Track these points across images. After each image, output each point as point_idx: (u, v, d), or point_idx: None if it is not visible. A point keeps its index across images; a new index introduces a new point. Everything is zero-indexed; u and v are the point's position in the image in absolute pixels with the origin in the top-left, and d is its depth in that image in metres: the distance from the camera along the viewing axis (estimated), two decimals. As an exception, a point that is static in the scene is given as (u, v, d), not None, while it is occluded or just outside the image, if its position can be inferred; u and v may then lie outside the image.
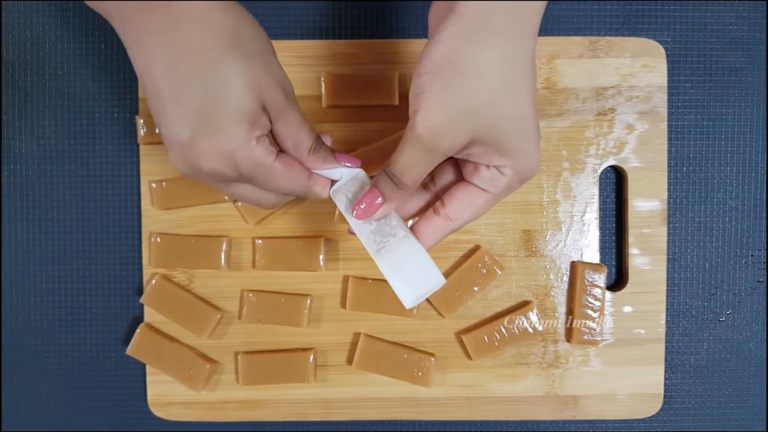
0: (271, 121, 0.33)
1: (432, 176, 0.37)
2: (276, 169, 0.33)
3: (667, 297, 0.48)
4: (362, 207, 0.35)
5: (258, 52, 0.32)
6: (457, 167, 0.36)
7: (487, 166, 0.33)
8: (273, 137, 0.34)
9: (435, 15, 0.32)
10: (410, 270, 0.35)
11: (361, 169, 0.36)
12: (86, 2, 0.33)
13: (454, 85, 0.29)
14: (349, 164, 0.36)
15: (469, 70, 0.29)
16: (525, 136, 0.32)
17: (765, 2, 0.49)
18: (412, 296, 0.35)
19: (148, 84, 0.31)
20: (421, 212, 0.37)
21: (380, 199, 0.34)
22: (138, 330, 0.48)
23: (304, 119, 0.34)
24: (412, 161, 0.32)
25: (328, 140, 0.37)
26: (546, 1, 0.31)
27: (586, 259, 0.49)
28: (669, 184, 0.49)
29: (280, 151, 0.35)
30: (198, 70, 0.30)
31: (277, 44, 0.47)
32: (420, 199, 0.37)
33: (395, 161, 0.33)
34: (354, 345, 0.48)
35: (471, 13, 0.29)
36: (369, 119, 0.48)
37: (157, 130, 0.47)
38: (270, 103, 0.32)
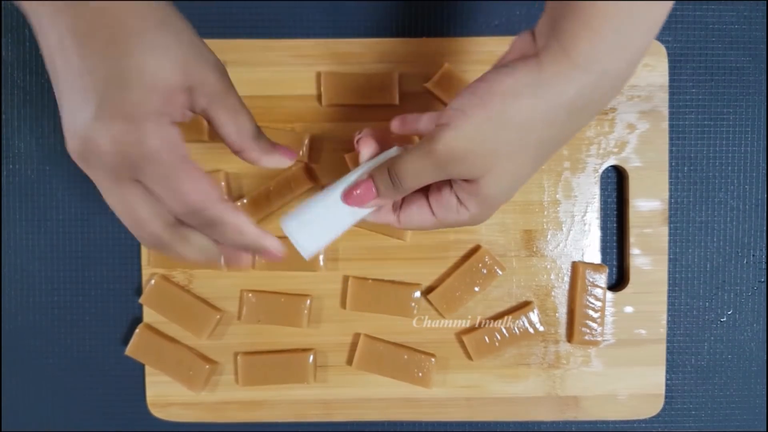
0: (204, 107, 0.31)
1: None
2: (187, 164, 0.29)
3: (669, 297, 0.48)
4: (356, 194, 0.34)
5: (187, 31, 0.29)
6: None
7: (458, 200, 0.33)
8: (210, 125, 0.32)
9: (519, 46, 0.31)
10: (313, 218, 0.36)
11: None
12: None
13: (495, 123, 0.29)
14: (287, 157, 0.35)
15: (517, 119, 0.29)
16: (507, 195, 0.32)
17: (765, 2, 0.49)
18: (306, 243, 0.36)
19: (57, 59, 0.28)
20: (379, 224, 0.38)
21: (374, 191, 0.34)
22: (137, 330, 0.48)
23: (245, 106, 0.33)
24: (417, 170, 0.32)
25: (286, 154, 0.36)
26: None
27: (587, 259, 0.48)
28: (670, 183, 0.49)
29: None
30: (118, 38, 0.27)
31: (277, 43, 0.47)
32: (387, 217, 0.37)
33: (401, 164, 0.32)
34: (354, 345, 0.48)
35: (551, 71, 0.28)
36: (369, 119, 0.48)
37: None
38: (202, 84, 0.30)
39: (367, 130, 0.37)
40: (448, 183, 0.33)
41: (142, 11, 0.28)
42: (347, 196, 0.34)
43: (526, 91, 0.28)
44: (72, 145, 0.28)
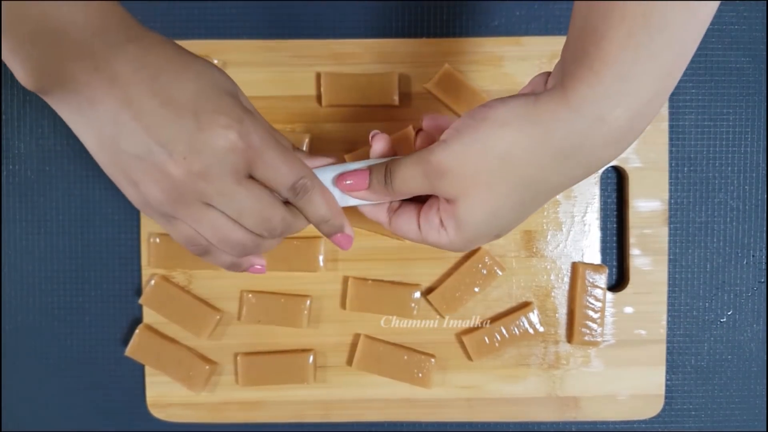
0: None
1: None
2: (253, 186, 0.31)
3: (668, 298, 0.48)
4: (349, 182, 0.34)
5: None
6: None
7: (440, 220, 0.33)
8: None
9: (537, 80, 0.31)
10: None
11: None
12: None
13: (477, 150, 0.29)
14: (350, 183, 0.35)
15: (500, 148, 0.29)
16: (486, 231, 0.32)
17: (765, 2, 0.49)
18: None
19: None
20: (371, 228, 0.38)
21: (365, 183, 0.34)
22: (137, 331, 0.48)
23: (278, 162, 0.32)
24: (407, 176, 0.32)
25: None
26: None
27: (587, 260, 0.48)
28: (670, 184, 0.49)
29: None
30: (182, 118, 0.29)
31: (277, 43, 0.47)
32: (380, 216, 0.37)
33: (397, 165, 0.33)
34: (354, 346, 0.48)
35: (547, 111, 0.28)
36: (369, 119, 0.48)
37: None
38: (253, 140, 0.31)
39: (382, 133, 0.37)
40: (437, 202, 0.34)
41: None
42: (340, 180, 0.35)
43: (514, 123, 0.28)
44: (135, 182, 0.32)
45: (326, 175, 0.35)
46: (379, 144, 0.36)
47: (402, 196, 0.34)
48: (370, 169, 0.34)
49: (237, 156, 0.30)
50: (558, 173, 0.29)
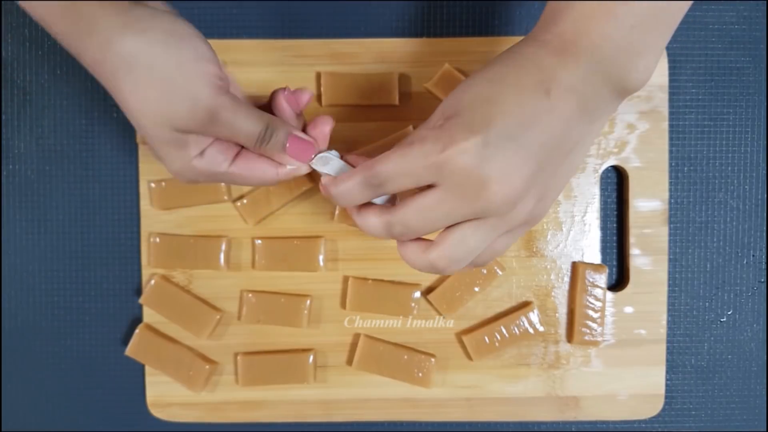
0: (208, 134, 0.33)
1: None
2: (234, 173, 0.35)
3: (669, 297, 0.48)
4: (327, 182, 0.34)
5: (151, 76, 0.30)
6: None
7: None
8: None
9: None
10: None
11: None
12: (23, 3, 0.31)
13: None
14: (300, 149, 0.35)
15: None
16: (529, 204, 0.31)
17: (765, 2, 0.49)
18: None
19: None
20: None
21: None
22: (137, 330, 0.48)
23: (240, 118, 0.32)
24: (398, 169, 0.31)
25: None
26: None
27: (587, 260, 0.48)
28: (670, 184, 0.49)
29: (243, 150, 0.35)
30: (123, 102, 0.31)
31: (277, 43, 0.47)
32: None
33: (385, 165, 0.30)
34: (354, 346, 0.48)
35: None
36: (369, 119, 0.48)
37: None
38: (185, 128, 0.31)
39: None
40: None
41: (108, 67, 0.30)
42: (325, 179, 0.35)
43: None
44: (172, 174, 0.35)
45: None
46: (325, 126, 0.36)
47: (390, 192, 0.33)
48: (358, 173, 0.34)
49: (199, 181, 0.35)
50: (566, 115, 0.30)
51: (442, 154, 0.28)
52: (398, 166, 0.29)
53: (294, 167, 0.36)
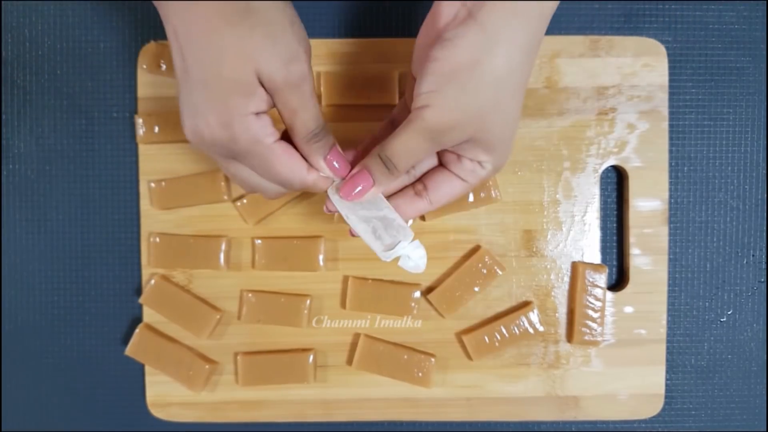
0: (273, 102, 0.33)
1: None
2: (274, 151, 0.34)
3: (668, 297, 0.48)
4: (354, 190, 0.35)
5: (265, 23, 0.31)
6: (436, 154, 0.37)
7: (471, 160, 0.35)
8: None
9: (445, 10, 0.32)
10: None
11: None
12: None
13: (470, 90, 0.31)
14: (336, 165, 0.36)
15: (487, 79, 0.31)
16: (510, 137, 0.34)
17: (765, 2, 0.49)
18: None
19: (173, 51, 0.32)
20: (396, 190, 0.38)
21: (370, 180, 0.35)
22: (137, 330, 0.48)
23: (310, 105, 0.33)
24: (413, 148, 0.33)
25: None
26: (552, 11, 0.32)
27: (587, 259, 0.48)
28: (670, 183, 0.49)
29: (286, 137, 0.35)
30: (203, 39, 0.30)
31: (277, 43, 0.47)
32: (401, 181, 0.38)
33: (394, 146, 0.34)
34: (354, 345, 0.48)
35: (495, 28, 0.30)
36: (368, 119, 0.48)
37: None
38: (265, 79, 0.32)
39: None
40: (456, 155, 0.35)
41: (222, 8, 0.30)
42: (346, 193, 0.35)
43: (483, 55, 0.30)
44: (184, 129, 0.33)
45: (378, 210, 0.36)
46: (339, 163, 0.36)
47: (405, 171, 0.35)
48: (365, 166, 0.35)
49: (216, 148, 0.34)
50: (531, 59, 0.32)
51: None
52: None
53: (326, 175, 0.36)
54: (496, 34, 0.30)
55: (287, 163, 0.34)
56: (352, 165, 0.36)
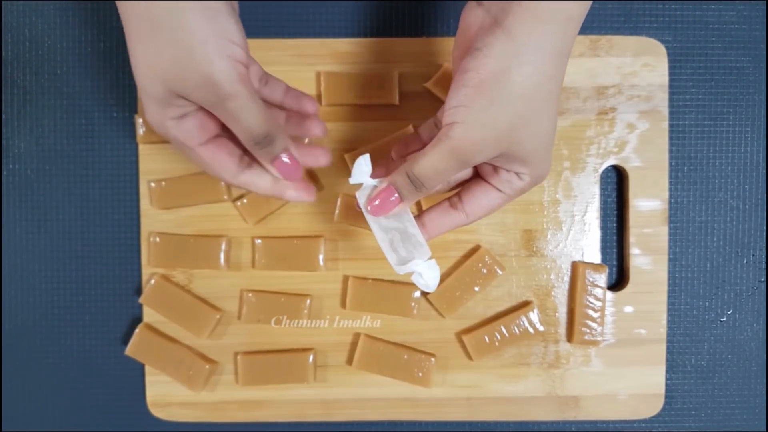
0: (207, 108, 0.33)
1: None
2: (199, 153, 0.34)
3: (669, 297, 0.48)
4: (376, 204, 0.35)
5: (174, 45, 0.30)
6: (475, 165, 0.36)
7: (507, 171, 0.34)
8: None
9: (472, 20, 0.32)
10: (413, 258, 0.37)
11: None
12: None
13: (499, 103, 0.30)
14: (286, 167, 0.35)
15: (516, 91, 0.30)
16: (546, 148, 0.33)
17: (765, 1, 0.49)
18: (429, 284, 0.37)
19: None
20: (430, 195, 0.38)
21: (396, 197, 0.34)
22: (137, 330, 0.48)
23: (245, 115, 0.32)
24: (442, 169, 0.32)
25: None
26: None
27: (587, 259, 0.48)
28: (670, 183, 0.49)
29: (221, 135, 0.35)
30: (128, 43, 0.31)
31: (277, 43, 0.47)
32: (436, 191, 0.38)
33: (422, 166, 0.33)
34: (354, 345, 0.48)
35: (521, 34, 0.29)
36: (369, 119, 0.48)
37: None
38: (188, 96, 0.31)
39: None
40: (492, 166, 0.35)
41: (143, 13, 0.29)
42: (373, 209, 0.35)
43: (512, 64, 0.29)
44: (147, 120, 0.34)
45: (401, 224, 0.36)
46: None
47: (434, 189, 0.35)
48: (392, 182, 0.34)
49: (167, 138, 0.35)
50: (562, 66, 0.31)
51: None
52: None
53: (295, 195, 0.36)
54: (524, 41, 0.29)
55: (213, 165, 0.34)
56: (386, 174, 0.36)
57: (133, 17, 0.30)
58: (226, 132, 0.35)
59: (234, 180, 0.35)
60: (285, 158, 0.34)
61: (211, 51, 0.30)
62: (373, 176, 0.35)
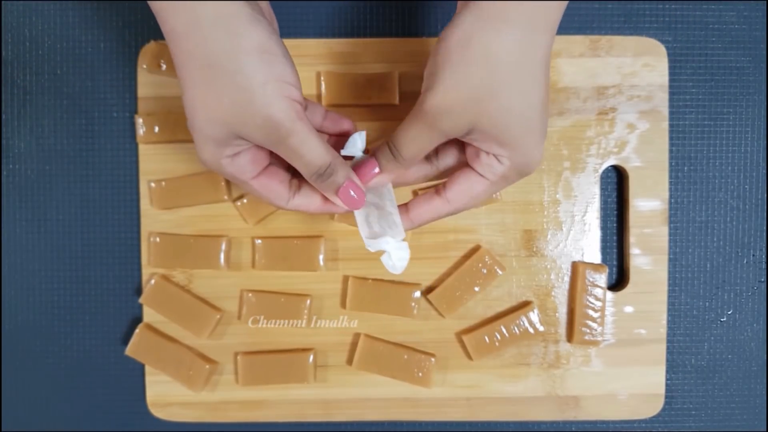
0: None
1: (437, 151, 0.37)
2: (252, 186, 0.35)
3: (669, 297, 0.48)
4: (362, 176, 0.35)
5: (234, 89, 0.30)
6: (462, 150, 0.36)
7: (487, 153, 0.34)
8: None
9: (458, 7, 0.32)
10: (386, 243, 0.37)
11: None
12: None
13: (461, 71, 0.30)
14: (352, 198, 0.35)
15: (478, 58, 0.30)
16: (526, 131, 0.32)
17: (765, 2, 0.49)
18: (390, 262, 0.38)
19: None
20: (419, 181, 0.38)
21: (377, 169, 0.35)
22: (137, 330, 0.48)
23: (305, 150, 0.33)
24: (415, 135, 0.33)
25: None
26: (567, 0, 0.31)
27: (587, 259, 0.48)
28: (670, 183, 0.49)
29: (271, 164, 0.36)
30: (181, 85, 0.32)
31: (277, 43, 0.47)
32: (420, 170, 0.37)
33: (398, 134, 0.34)
34: (354, 345, 0.48)
35: (489, 6, 0.30)
36: (369, 119, 0.48)
37: None
38: (249, 137, 0.32)
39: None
40: (474, 148, 0.34)
41: (201, 58, 0.30)
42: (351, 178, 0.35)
43: (475, 31, 0.30)
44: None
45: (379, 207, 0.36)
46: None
47: (415, 160, 0.34)
48: (373, 152, 0.35)
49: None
50: (547, 32, 0.31)
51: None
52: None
53: (342, 210, 0.36)
54: (490, 12, 0.29)
55: (266, 195, 0.36)
56: None
57: (189, 61, 0.30)
58: (274, 159, 0.36)
59: (287, 206, 0.36)
60: (352, 192, 0.35)
61: (270, 93, 0.31)
62: (358, 203, 0.36)
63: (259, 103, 0.31)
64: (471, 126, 0.32)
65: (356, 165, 0.36)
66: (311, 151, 0.33)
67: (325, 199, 0.36)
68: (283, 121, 0.31)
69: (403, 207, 0.37)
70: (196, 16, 0.29)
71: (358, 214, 0.37)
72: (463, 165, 0.36)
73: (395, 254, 0.37)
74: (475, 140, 0.33)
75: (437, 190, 0.36)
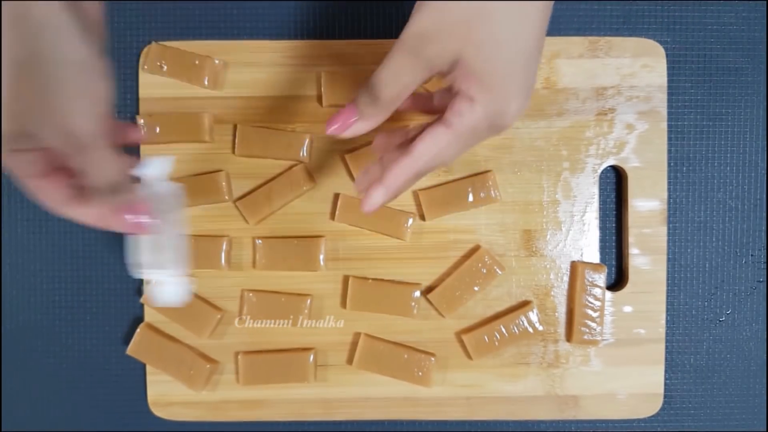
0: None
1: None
2: (28, 186, 0.34)
3: (667, 297, 0.48)
4: (336, 127, 0.33)
5: (49, 93, 0.29)
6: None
7: (462, 97, 0.31)
8: None
9: None
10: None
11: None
12: None
13: None
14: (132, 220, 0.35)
15: None
16: (510, 72, 0.30)
17: (765, 2, 0.49)
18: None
19: None
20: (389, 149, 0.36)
21: (355, 117, 0.33)
22: (138, 330, 0.48)
23: (100, 164, 0.32)
24: (395, 70, 0.31)
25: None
26: None
27: (586, 259, 0.49)
28: (669, 183, 0.49)
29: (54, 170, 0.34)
30: None
31: (278, 44, 0.48)
32: (395, 137, 0.36)
33: (377, 72, 0.31)
34: (354, 345, 0.48)
35: None
36: (369, 119, 0.48)
37: None
38: (42, 140, 0.31)
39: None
40: (449, 95, 0.32)
41: (20, 57, 0.28)
42: (330, 124, 0.33)
43: None
44: None
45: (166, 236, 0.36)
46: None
47: (396, 102, 0.32)
48: (353, 99, 0.33)
49: None
50: None
51: None
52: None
53: (124, 230, 0.35)
54: None
55: (43, 198, 0.34)
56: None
57: (7, 51, 0.29)
58: (57, 164, 0.35)
59: (60, 212, 0.35)
60: (134, 217, 0.34)
61: (79, 107, 0.30)
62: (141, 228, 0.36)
63: (67, 113, 0.30)
64: (457, 56, 0.30)
65: (335, 116, 0.33)
66: (105, 168, 0.32)
67: (111, 214, 0.35)
68: (85, 135, 0.30)
69: (377, 178, 0.34)
70: (29, 13, 0.28)
71: (142, 240, 0.36)
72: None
73: (170, 288, 0.37)
74: (455, 78, 0.31)
75: (405, 148, 0.34)
